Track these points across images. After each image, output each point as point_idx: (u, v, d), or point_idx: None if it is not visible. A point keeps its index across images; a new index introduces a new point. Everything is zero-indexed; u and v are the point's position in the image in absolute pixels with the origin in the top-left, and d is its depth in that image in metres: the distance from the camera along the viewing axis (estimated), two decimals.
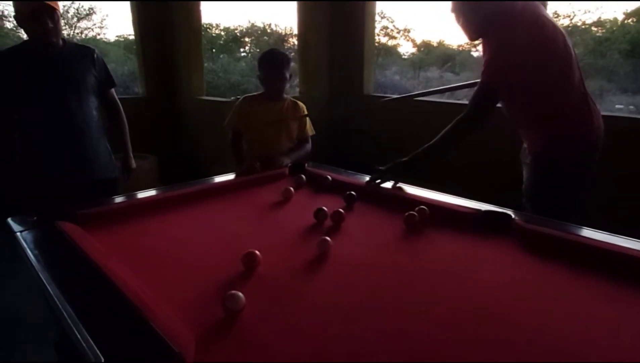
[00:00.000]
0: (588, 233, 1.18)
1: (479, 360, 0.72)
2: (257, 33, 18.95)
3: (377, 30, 4.39)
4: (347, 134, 4.31)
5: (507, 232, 1.25)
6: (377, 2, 4.15)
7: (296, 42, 4.76)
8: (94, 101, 1.91)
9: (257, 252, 1.06)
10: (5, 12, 6.34)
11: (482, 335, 0.80)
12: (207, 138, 4.14)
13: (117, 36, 9.64)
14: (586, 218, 1.33)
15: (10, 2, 1.96)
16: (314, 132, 2.25)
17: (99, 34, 8.29)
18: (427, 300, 0.93)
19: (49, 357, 1.94)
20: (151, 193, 1.61)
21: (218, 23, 12.06)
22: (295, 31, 4.27)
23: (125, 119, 2.12)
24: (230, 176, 1.87)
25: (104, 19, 8.22)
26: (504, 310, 0.88)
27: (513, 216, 1.29)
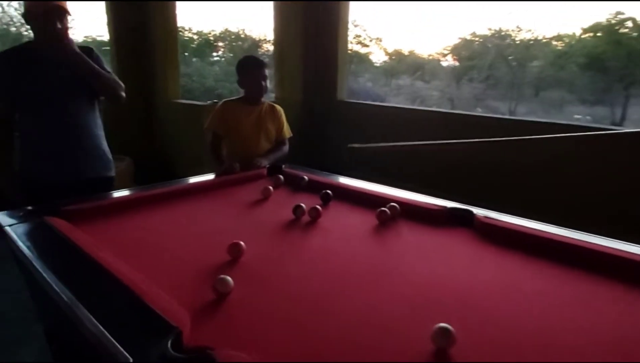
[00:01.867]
0: (537, 226, 1.32)
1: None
2: (230, 38, 18.92)
3: (350, 39, 4.52)
4: (321, 138, 4.42)
5: (469, 226, 1.38)
6: (350, 11, 4.29)
7: (270, 48, 4.84)
8: (94, 99, 1.93)
9: (241, 243, 1.14)
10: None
11: (444, 312, 0.91)
12: (183, 141, 4.16)
13: (85, 37, 9.45)
14: (539, 214, 1.46)
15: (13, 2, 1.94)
16: (291, 135, 2.35)
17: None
18: (397, 282, 1.04)
19: (32, 352, 1.96)
20: (134, 191, 1.66)
21: (190, 27, 11.98)
22: (269, 37, 4.35)
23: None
24: (210, 176, 1.94)
25: (73, 19, 8.08)
26: (465, 290, 1.00)
27: (474, 212, 1.42)
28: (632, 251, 1.12)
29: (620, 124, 7.73)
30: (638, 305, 0.96)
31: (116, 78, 1.92)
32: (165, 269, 1.08)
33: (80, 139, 1.86)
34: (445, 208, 1.47)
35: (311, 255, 1.20)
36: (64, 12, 1.72)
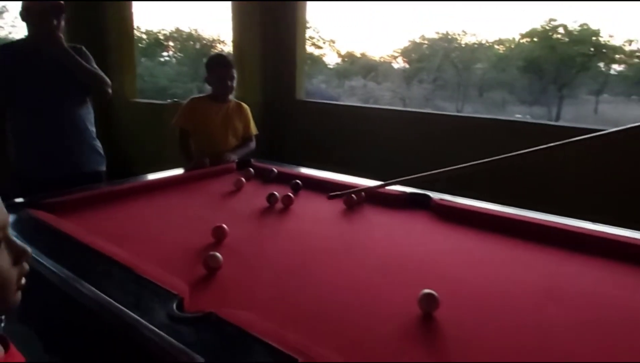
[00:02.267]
0: (487, 205, 1.51)
1: (402, 295, 0.97)
2: (182, 37, 18.50)
3: (305, 39, 4.65)
4: (282, 137, 4.52)
5: (427, 208, 1.55)
6: (306, 12, 4.43)
7: (224, 49, 4.88)
8: (84, 96, 1.96)
9: (224, 226, 1.24)
10: None
11: (405, 278, 1.05)
12: (143, 140, 4.13)
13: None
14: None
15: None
16: (257, 132, 2.44)
17: (10, 33, 7.75)
18: (364, 254, 1.18)
19: None
20: (111, 185, 1.70)
21: (138, 25, 11.71)
22: (223, 37, 4.39)
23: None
24: (179, 171, 1.99)
25: (17, 18, 7.69)
26: (423, 258, 1.15)
27: (431, 195, 1.59)
28: (557, 221, 1.33)
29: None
30: (565, 263, 1.15)
31: (102, 75, 1.97)
32: (154, 251, 1.15)
33: (73, 134, 1.90)
34: (405, 193, 1.64)
35: (288, 235, 1.32)
36: (61, 11, 1.76)
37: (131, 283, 0.92)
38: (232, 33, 4.25)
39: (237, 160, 2.16)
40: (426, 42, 18.53)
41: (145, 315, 0.79)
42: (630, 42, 17.08)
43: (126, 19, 4.14)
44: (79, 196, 1.50)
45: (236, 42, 4.27)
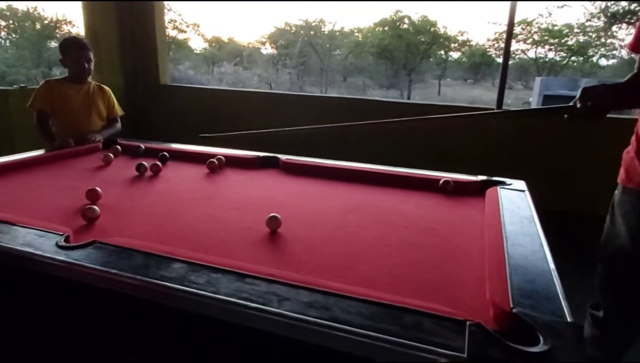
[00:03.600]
0: (320, 161, 1.92)
1: (254, 222, 1.30)
2: (17, 17, 16.08)
3: (164, 23, 4.67)
4: (147, 122, 4.51)
5: (276, 166, 1.91)
6: None
7: (71, 30, 4.61)
8: None
9: (97, 188, 1.42)
10: None
11: (257, 212, 1.38)
12: None
13: None
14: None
15: None
16: (123, 113, 2.54)
17: None
18: (225, 200, 1.48)
19: None
20: None
21: None
22: (68, 18, 4.18)
23: None
24: (40, 152, 2.03)
25: None
26: (271, 199, 1.50)
27: (280, 157, 1.95)
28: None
29: None
30: (369, 192, 1.60)
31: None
32: (36, 213, 1.29)
33: None
34: (258, 156, 1.97)
35: (158, 192, 1.55)
36: None
37: (19, 236, 1.08)
38: (82, 15, 4.07)
39: (102, 140, 2.25)
40: (290, 28, 19.21)
41: (38, 251, 0.99)
42: (462, 32, 20.03)
43: None
44: None
45: (89, 25, 4.11)
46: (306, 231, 1.22)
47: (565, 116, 1.34)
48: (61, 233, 1.07)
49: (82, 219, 1.23)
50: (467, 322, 0.73)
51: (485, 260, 1.02)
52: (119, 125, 2.50)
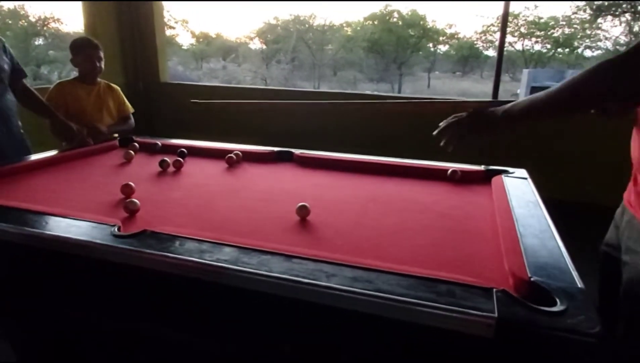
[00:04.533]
0: (332, 154, 2.03)
1: (282, 211, 1.40)
2: (0, 14, 15.84)
3: (164, 22, 4.72)
4: (148, 120, 4.57)
5: (291, 160, 2.01)
6: None
7: (60, 28, 4.63)
8: (8, 88, 2.00)
9: (131, 183, 1.51)
10: None
11: (282, 202, 1.49)
12: None
13: None
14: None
15: None
16: (133, 110, 2.62)
17: None
18: (249, 192, 1.58)
19: None
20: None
21: None
22: (56, 15, 4.19)
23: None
24: (54, 152, 2.08)
25: None
26: (292, 190, 1.60)
27: (294, 151, 2.05)
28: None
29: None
30: (383, 182, 1.71)
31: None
32: (80, 206, 1.38)
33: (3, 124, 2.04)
34: (273, 151, 2.07)
35: (186, 187, 1.64)
36: None
37: (72, 227, 1.17)
38: (82, 14, 4.10)
39: (118, 137, 2.33)
40: (280, 23, 19.20)
41: (96, 239, 1.08)
42: (450, 25, 20.23)
43: None
44: None
45: (89, 25, 4.14)
46: (333, 218, 1.33)
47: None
48: (112, 224, 1.16)
49: (125, 212, 1.32)
50: (494, 289, 0.84)
51: (500, 240, 1.14)
52: (131, 122, 2.58)
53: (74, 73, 2.45)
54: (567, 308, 0.79)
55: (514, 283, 0.91)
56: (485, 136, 1.18)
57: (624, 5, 12.50)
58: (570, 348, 0.73)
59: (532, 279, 0.89)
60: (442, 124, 1.28)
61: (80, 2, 4.05)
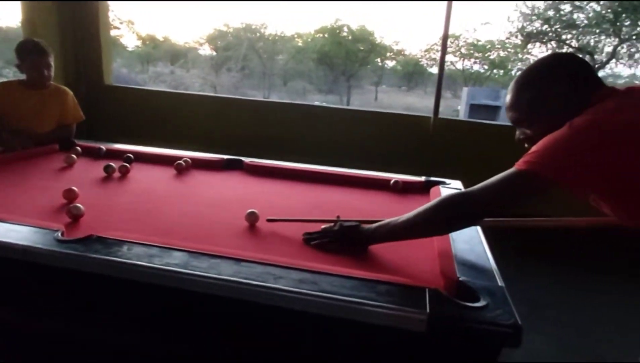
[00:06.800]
0: (280, 163, 2.08)
1: (229, 216, 1.43)
2: None
3: (109, 23, 4.57)
4: (92, 121, 4.38)
5: (240, 168, 2.04)
6: None
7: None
8: None
9: (74, 187, 1.47)
10: None
11: (228, 208, 1.52)
12: None
13: None
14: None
15: None
16: (83, 118, 2.50)
17: None
18: (196, 198, 1.59)
19: None
20: None
21: None
22: None
23: None
24: None
25: None
26: (238, 198, 1.64)
27: (244, 159, 2.09)
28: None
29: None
30: (326, 190, 1.79)
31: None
32: (21, 211, 1.32)
33: None
34: (223, 158, 2.09)
35: (132, 191, 1.63)
36: None
37: (11, 232, 1.13)
38: (21, 12, 3.88)
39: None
40: (231, 30, 19.06)
41: (38, 244, 1.06)
42: (396, 42, 21.08)
43: None
44: None
45: (28, 22, 3.92)
46: (280, 224, 1.38)
47: None
48: (55, 229, 1.14)
49: (67, 217, 1.29)
50: (427, 289, 0.93)
51: (434, 244, 1.24)
52: (68, 131, 2.41)
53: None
54: (488, 304, 0.89)
55: (445, 283, 1.01)
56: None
57: (549, 34, 13.82)
58: (489, 337, 0.83)
59: (460, 279, 0.99)
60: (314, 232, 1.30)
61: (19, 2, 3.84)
